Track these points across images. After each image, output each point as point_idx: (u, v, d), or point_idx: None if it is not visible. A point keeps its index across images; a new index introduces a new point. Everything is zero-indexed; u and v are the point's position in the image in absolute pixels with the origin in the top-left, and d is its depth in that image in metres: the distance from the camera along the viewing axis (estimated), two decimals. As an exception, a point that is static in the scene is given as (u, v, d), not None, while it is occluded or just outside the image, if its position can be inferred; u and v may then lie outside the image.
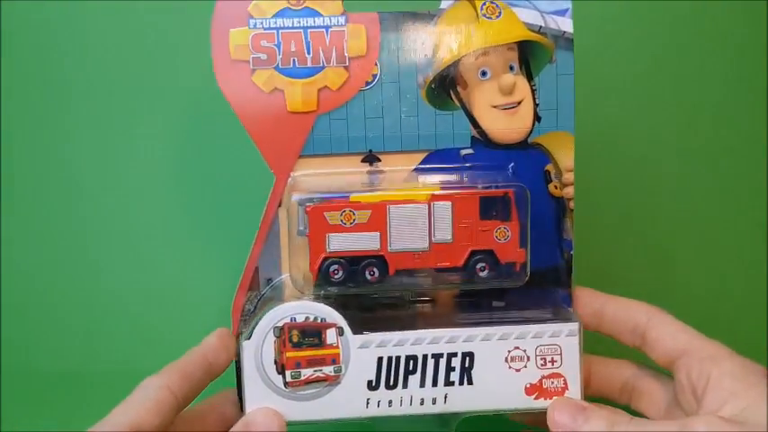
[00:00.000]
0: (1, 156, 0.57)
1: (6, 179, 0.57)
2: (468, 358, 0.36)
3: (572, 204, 0.40)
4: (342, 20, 0.39)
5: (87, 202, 0.57)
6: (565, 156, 0.40)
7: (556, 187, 0.40)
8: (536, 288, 0.40)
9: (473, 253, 0.36)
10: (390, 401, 0.36)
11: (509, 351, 0.36)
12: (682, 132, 0.57)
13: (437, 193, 0.36)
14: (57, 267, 0.57)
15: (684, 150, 0.57)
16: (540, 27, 0.39)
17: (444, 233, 0.36)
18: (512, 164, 0.40)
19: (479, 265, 0.36)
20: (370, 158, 0.40)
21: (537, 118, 0.40)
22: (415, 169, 0.40)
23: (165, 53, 0.56)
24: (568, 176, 0.40)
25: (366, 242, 0.36)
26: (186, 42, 0.53)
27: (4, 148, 0.57)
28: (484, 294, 0.40)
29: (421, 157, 0.40)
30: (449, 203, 0.36)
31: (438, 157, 0.40)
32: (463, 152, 0.40)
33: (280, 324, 0.35)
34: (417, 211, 0.36)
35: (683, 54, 0.56)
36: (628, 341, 0.40)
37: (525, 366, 0.36)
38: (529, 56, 0.40)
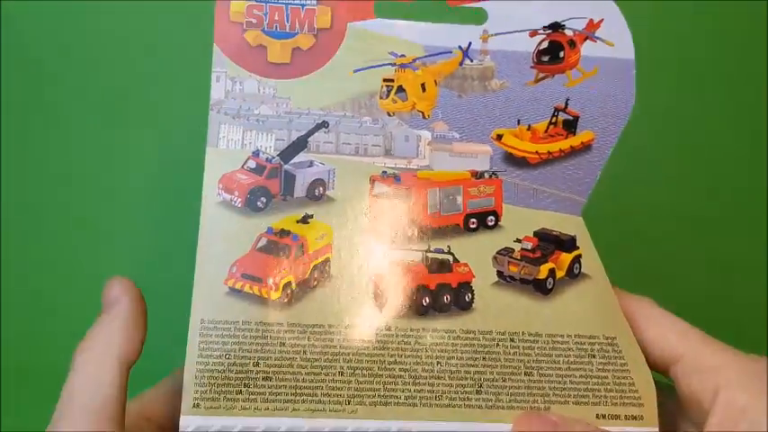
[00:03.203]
0: (1, 156, 0.56)
1: (6, 179, 0.56)
2: None
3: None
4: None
5: (87, 202, 0.57)
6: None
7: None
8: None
9: None
10: None
11: None
12: (681, 135, 0.56)
13: None
14: (57, 267, 0.57)
15: (683, 153, 0.57)
16: None
17: None
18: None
19: None
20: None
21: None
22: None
23: (162, 53, 0.54)
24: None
25: None
26: (185, 43, 0.52)
27: (4, 148, 0.56)
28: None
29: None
30: None
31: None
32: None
33: None
34: None
35: (683, 55, 0.56)
36: None
37: None
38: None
